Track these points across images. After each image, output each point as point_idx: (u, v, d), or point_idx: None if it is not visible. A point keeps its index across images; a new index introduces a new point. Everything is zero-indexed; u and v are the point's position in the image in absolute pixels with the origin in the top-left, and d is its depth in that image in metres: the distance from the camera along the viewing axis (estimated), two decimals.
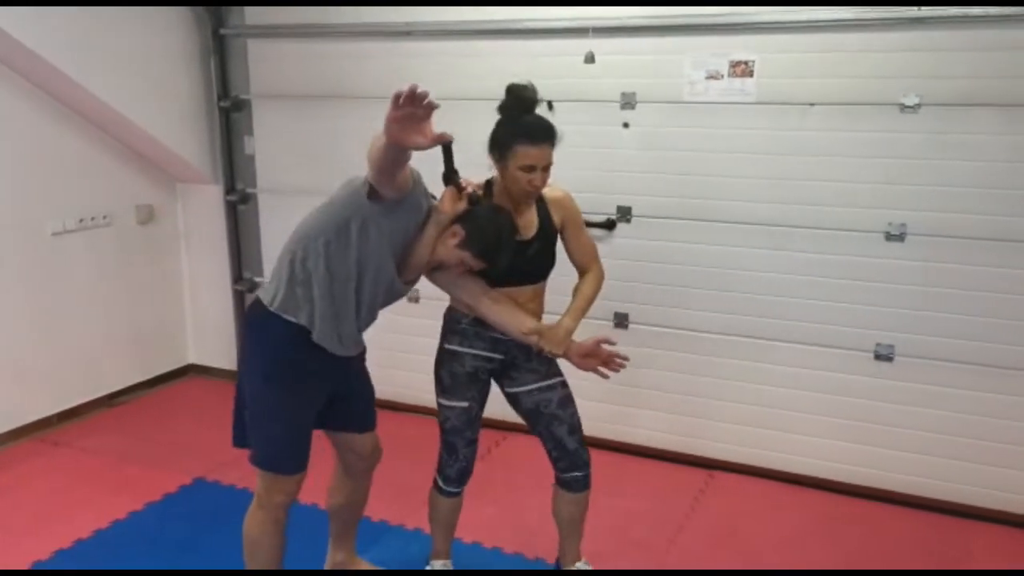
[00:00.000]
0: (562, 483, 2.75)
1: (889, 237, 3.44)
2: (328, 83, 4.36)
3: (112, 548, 3.20)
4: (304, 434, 2.49)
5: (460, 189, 2.41)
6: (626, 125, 3.77)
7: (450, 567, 2.94)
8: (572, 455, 2.69)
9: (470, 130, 4.01)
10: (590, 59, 3.44)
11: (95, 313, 4.49)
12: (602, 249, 3.89)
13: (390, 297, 2.49)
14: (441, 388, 2.70)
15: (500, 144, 2.47)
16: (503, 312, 2.52)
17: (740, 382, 3.80)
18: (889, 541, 3.33)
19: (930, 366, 3.47)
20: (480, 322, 2.60)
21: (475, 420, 2.72)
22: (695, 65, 3.61)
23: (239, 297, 4.85)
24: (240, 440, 2.54)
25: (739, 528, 3.39)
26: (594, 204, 3.89)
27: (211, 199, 4.76)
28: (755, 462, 3.83)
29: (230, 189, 4.70)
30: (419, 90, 1.86)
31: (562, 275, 2.68)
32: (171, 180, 4.81)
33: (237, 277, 4.82)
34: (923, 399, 3.51)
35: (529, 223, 2.56)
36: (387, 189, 2.23)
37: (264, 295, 2.42)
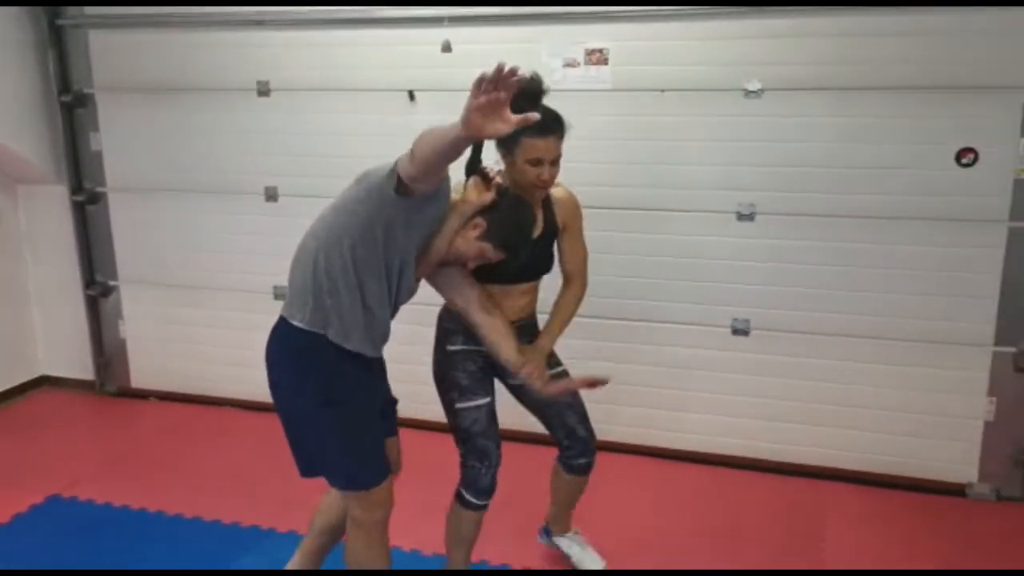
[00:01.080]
0: (568, 467, 2.79)
1: (740, 217, 3.59)
2: (179, 75, 4.17)
3: None
4: (378, 441, 2.36)
5: (488, 179, 2.28)
6: None
7: None
8: (583, 442, 2.73)
9: (326, 121, 4.00)
10: (447, 48, 3.43)
11: None
12: None
13: (407, 295, 2.35)
14: (459, 391, 2.58)
15: (507, 137, 2.31)
16: (493, 331, 2.46)
17: (604, 362, 3.88)
18: (752, 506, 3.49)
19: (783, 338, 3.66)
20: None
21: (496, 418, 2.63)
22: (552, 53, 3.65)
23: (92, 303, 4.60)
24: (308, 469, 2.36)
25: (617, 505, 3.47)
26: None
27: (56, 200, 4.48)
28: (626, 439, 3.93)
29: (77, 189, 4.44)
30: (506, 68, 1.64)
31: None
32: (10, 181, 4.50)
33: (89, 282, 4.56)
34: (778, 369, 3.70)
35: (536, 220, 2.48)
36: (427, 184, 2.08)
37: (290, 312, 2.24)
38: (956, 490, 3.56)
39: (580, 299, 2.69)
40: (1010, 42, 3.19)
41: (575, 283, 2.69)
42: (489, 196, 2.28)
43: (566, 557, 3.02)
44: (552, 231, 2.57)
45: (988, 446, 3.52)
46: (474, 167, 2.32)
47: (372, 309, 2.22)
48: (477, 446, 2.58)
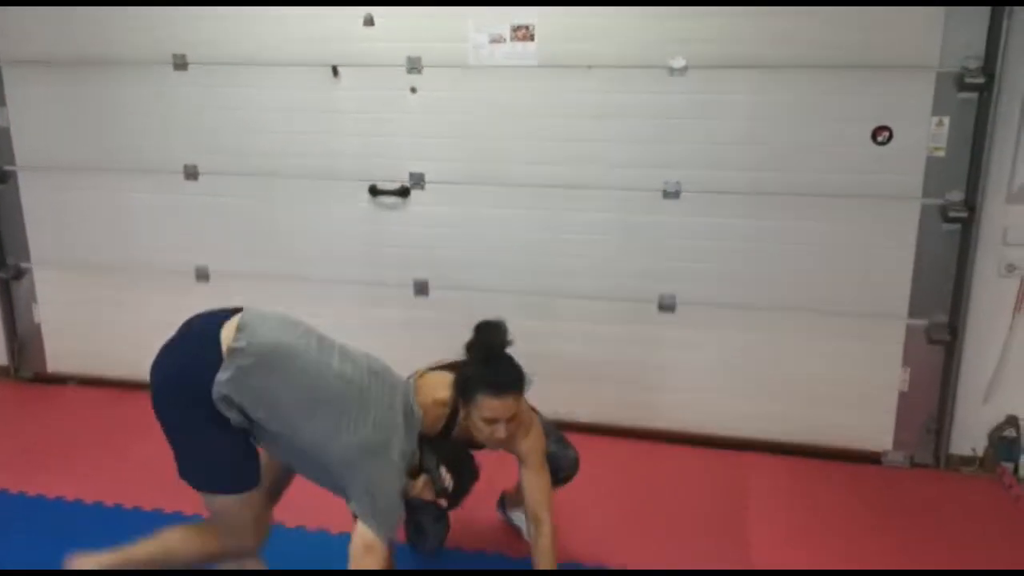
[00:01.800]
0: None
1: (666, 194, 3.62)
2: (91, 48, 4.00)
3: None
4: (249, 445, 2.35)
5: (435, 491, 2.38)
6: (414, 90, 3.73)
7: None
8: (556, 459, 2.74)
9: (246, 96, 3.89)
10: (369, 21, 3.36)
11: None
12: (398, 217, 3.92)
13: None
14: None
15: (466, 389, 2.37)
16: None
17: (535, 340, 3.89)
18: (676, 477, 3.56)
19: (708, 313, 3.72)
20: None
21: None
22: (478, 29, 3.61)
23: (4, 286, 4.42)
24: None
25: None
26: (387, 171, 3.85)
27: None
28: (552, 416, 3.95)
29: None
30: None
31: None
32: None
33: (0, 264, 4.38)
34: (703, 344, 3.76)
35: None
36: None
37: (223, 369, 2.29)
38: (873, 458, 3.68)
39: (555, 538, 2.53)
40: (922, 22, 3.26)
41: (545, 522, 2.52)
42: (429, 496, 2.38)
43: (516, 529, 3.08)
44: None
45: (902, 415, 3.64)
46: (429, 469, 2.37)
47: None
48: None
